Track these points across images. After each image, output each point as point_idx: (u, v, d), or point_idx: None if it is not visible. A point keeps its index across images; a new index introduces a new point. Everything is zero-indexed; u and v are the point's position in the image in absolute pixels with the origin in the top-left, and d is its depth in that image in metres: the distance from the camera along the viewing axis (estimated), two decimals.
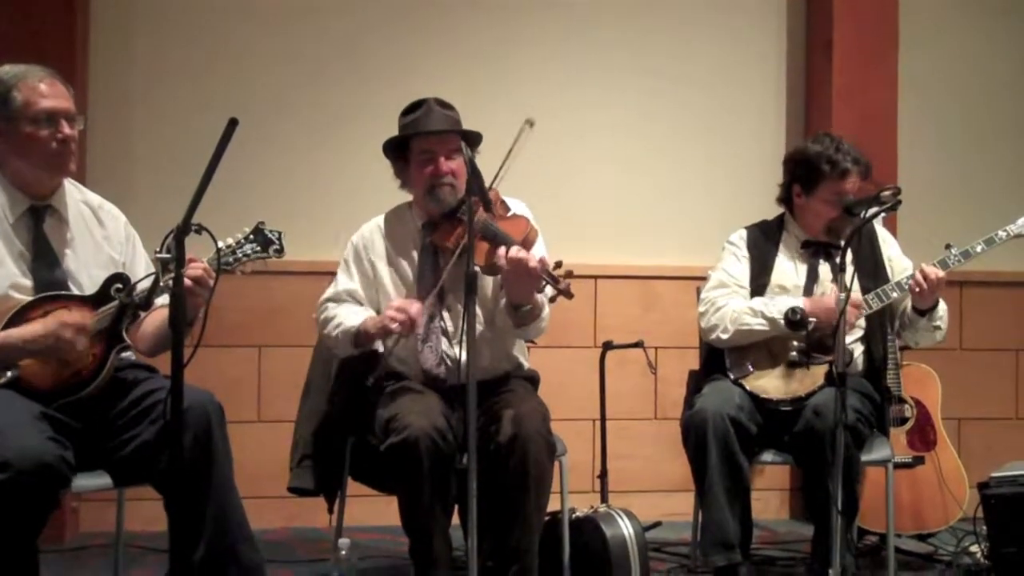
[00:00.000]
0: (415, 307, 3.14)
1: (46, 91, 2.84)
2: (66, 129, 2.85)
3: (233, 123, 2.39)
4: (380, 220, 3.46)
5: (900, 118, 4.80)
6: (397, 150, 3.36)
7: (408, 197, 3.46)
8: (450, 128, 3.27)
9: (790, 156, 3.72)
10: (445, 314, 3.30)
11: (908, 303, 3.56)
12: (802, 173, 3.60)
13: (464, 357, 2.88)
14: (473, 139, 3.32)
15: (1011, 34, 5.18)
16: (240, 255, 2.81)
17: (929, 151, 5.02)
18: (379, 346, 3.32)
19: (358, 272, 3.40)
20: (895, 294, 3.51)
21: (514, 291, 3.13)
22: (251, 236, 2.84)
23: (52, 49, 4.10)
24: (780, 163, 3.80)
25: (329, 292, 3.41)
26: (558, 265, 3.05)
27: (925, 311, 3.49)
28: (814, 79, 4.94)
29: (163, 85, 4.59)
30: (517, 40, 4.83)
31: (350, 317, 3.28)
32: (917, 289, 3.41)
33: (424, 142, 3.28)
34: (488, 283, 3.31)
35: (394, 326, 3.11)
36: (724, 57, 4.97)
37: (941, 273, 3.41)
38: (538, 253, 3.13)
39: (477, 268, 3.01)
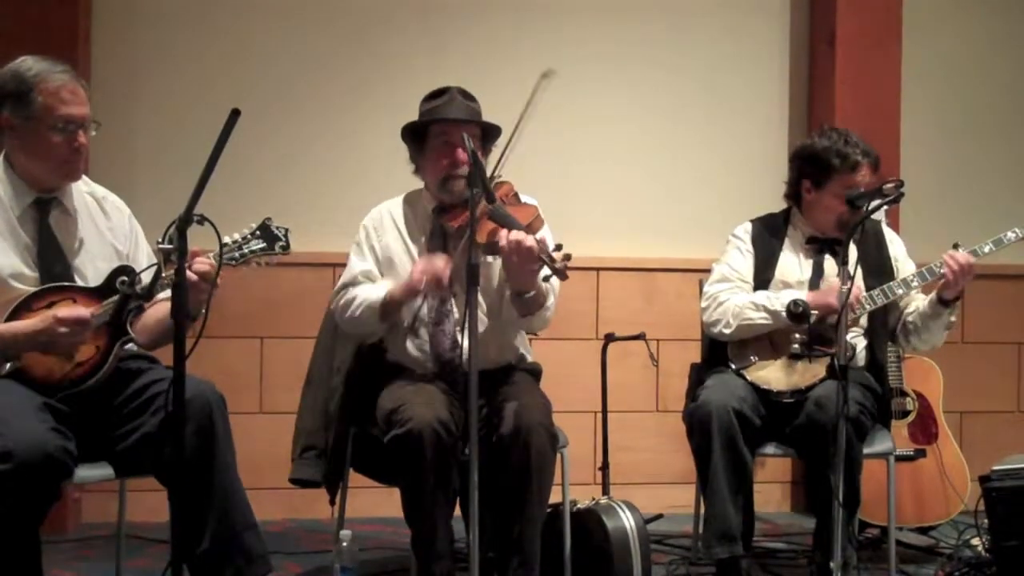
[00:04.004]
0: (441, 261, 3.13)
1: (67, 97, 2.81)
2: (81, 138, 2.84)
3: (235, 114, 2.39)
4: (391, 203, 3.46)
5: (903, 110, 4.79)
6: (414, 134, 3.36)
7: (418, 184, 3.46)
8: (471, 118, 3.28)
9: (798, 152, 3.68)
10: (452, 300, 3.31)
11: (917, 304, 3.56)
12: (812, 168, 3.57)
13: (466, 346, 2.88)
14: (493, 132, 3.33)
15: (1014, 26, 5.17)
16: (246, 251, 2.80)
17: (932, 143, 5.01)
18: (404, 318, 3.29)
19: (371, 254, 3.39)
20: (900, 291, 3.50)
21: (514, 274, 3.12)
22: (257, 232, 2.82)
23: (54, 40, 4.11)
24: (784, 155, 3.81)
25: (344, 278, 3.38)
26: (558, 248, 3.04)
27: (950, 301, 3.45)
28: (817, 71, 4.93)
29: (165, 76, 4.59)
30: (519, 32, 4.82)
31: (372, 292, 3.27)
32: (949, 274, 3.37)
33: (443, 129, 3.28)
34: (492, 274, 3.32)
35: (421, 285, 3.11)
36: (727, 49, 4.96)
37: (972, 259, 3.39)
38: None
39: (478, 243, 3.02)
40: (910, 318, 3.58)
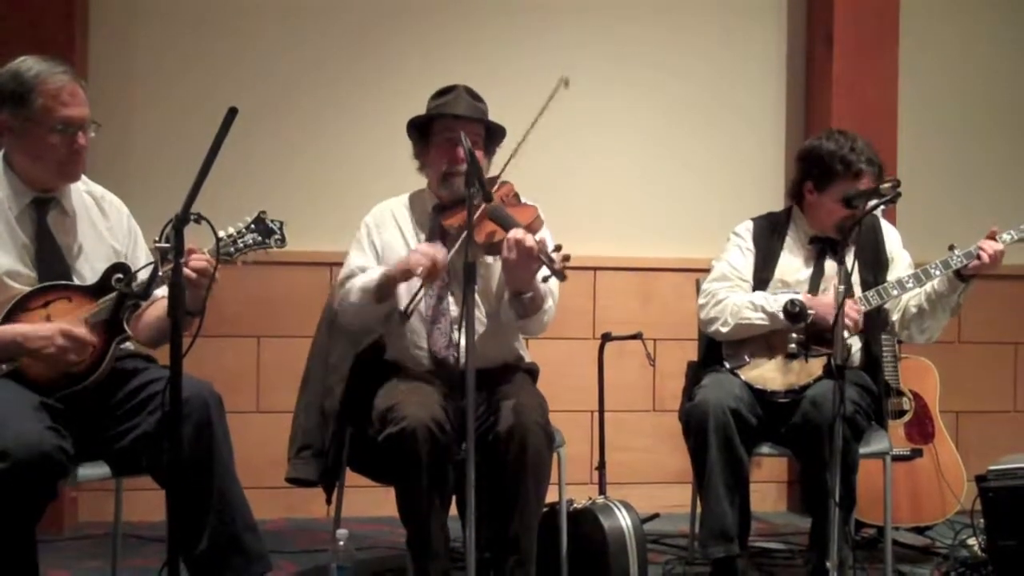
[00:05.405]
0: (440, 252, 3.12)
1: (67, 99, 2.80)
2: (81, 139, 2.83)
3: (232, 112, 2.39)
4: (394, 201, 3.47)
5: (900, 110, 4.80)
6: (419, 131, 3.37)
7: (418, 184, 3.46)
8: (476, 116, 3.29)
9: (804, 152, 3.67)
10: (450, 298, 3.31)
11: (917, 297, 3.54)
12: (815, 171, 3.56)
13: (464, 345, 2.88)
14: (498, 133, 3.34)
15: (1011, 26, 5.18)
16: (241, 244, 2.79)
17: (929, 144, 5.02)
18: (400, 302, 3.24)
19: (371, 250, 3.39)
20: (895, 292, 3.50)
21: (513, 273, 3.12)
22: (252, 226, 2.82)
23: (52, 37, 4.11)
24: (780, 156, 3.80)
25: (343, 272, 3.38)
26: (557, 248, 3.05)
27: (968, 277, 3.43)
28: (814, 72, 4.94)
29: (163, 74, 4.59)
30: (516, 35, 4.82)
31: (366, 276, 3.26)
32: (987, 258, 3.36)
33: (447, 125, 3.28)
34: (492, 276, 3.32)
35: (418, 270, 3.08)
36: (724, 50, 4.97)
37: (1000, 247, 3.39)
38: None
39: (477, 243, 3.01)
40: (913, 302, 3.55)
